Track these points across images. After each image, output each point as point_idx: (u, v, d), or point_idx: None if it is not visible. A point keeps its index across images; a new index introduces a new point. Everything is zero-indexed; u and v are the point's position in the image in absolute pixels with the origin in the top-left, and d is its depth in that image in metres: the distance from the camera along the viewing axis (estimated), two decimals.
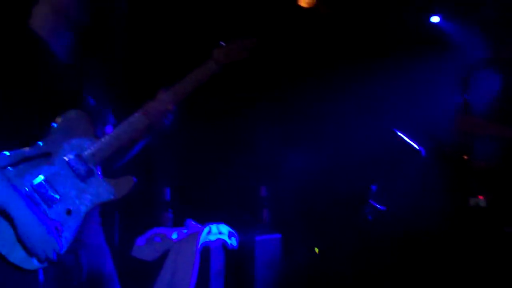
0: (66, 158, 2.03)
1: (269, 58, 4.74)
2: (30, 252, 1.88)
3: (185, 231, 4.44)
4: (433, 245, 3.96)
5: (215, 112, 5.35)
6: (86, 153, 2.05)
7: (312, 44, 5.65)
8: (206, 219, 4.55)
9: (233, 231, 4.56)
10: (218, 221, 4.56)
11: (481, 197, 3.19)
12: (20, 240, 1.87)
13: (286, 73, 5.61)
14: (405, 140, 4.04)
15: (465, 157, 3.38)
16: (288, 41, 5.47)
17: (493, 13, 4.00)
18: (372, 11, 5.60)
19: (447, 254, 3.72)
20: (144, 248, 4.23)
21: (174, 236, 4.32)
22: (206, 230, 4.40)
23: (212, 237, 4.38)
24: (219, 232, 4.45)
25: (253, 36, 2.39)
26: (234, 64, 2.35)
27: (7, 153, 1.91)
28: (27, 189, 1.94)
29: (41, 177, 1.98)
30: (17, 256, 1.89)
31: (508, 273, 3.08)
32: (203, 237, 4.31)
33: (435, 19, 5.86)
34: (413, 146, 4.01)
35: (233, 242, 4.47)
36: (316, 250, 4.73)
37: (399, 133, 4.10)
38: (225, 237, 4.46)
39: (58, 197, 2.00)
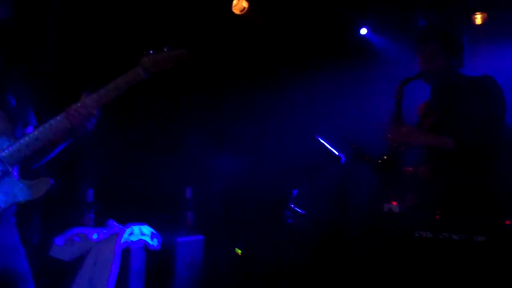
0: None
1: (197, 61, 4.77)
2: None
3: (105, 231, 4.41)
4: (350, 248, 4.09)
5: (140, 113, 5.33)
6: (3, 154, 2.03)
7: (242, 50, 5.72)
8: (129, 220, 4.54)
9: (156, 233, 4.57)
10: (141, 222, 4.55)
11: (394, 203, 3.32)
12: None
13: (213, 76, 5.65)
14: (327, 147, 4.15)
15: (385, 158, 3.47)
16: (219, 46, 5.51)
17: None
18: (303, 21, 5.72)
19: (362, 257, 3.84)
20: (63, 247, 4.18)
21: (95, 236, 4.28)
22: (128, 231, 4.39)
23: (134, 238, 4.38)
24: (141, 233, 4.45)
25: (183, 46, 2.41)
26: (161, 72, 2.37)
27: None
28: None
29: None
30: None
31: (417, 275, 3.20)
32: (124, 238, 4.30)
33: (363, 31, 6.06)
34: (334, 152, 4.12)
35: (155, 243, 4.48)
36: (238, 251, 4.79)
37: (321, 140, 4.21)
38: (147, 238, 4.47)
39: None
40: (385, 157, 3.43)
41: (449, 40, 3.39)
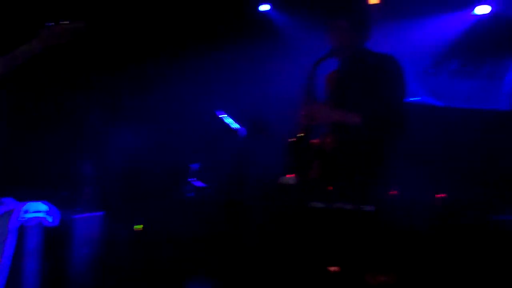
0: None
1: (97, 35, 4.67)
2: None
3: None
4: (248, 220, 4.18)
5: (38, 86, 5.17)
6: None
7: (144, 23, 5.64)
8: (26, 197, 4.41)
9: (53, 209, 4.46)
10: (38, 199, 4.43)
11: (290, 176, 3.41)
12: None
13: (115, 50, 5.55)
14: (226, 121, 4.19)
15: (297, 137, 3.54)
16: (120, 19, 5.41)
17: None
18: None
19: (260, 228, 3.93)
20: None
21: None
22: (23, 208, 4.27)
23: (29, 215, 4.26)
24: (37, 210, 4.33)
25: (81, 19, 2.38)
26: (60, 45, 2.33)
27: None
28: None
29: None
30: None
31: (311, 244, 3.31)
32: (19, 215, 4.17)
33: (264, 7, 6.12)
34: (233, 126, 4.17)
35: (51, 220, 4.38)
36: (139, 227, 4.77)
37: (220, 115, 4.24)
38: (44, 215, 4.36)
39: None
40: (298, 136, 3.49)
41: (357, 16, 3.49)
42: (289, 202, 3.40)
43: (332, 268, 3.19)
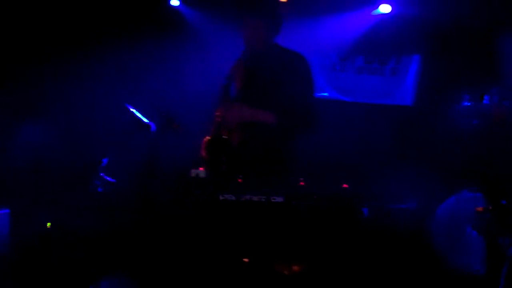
0: None
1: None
2: None
3: None
4: (160, 213, 4.17)
5: None
6: None
7: (56, 16, 5.50)
8: None
9: None
10: None
11: (201, 169, 3.45)
12: None
13: (21, 43, 5.39)
14: (136, 115, 4.17)
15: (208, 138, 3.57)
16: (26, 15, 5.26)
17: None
18: None
19: (171, 221, 3.93)
20: None
21: None
22: None
23: None
24: None
25: None
26: None
27: None
28: None
29: None
30: None
31: (223, 236, 3.36)
32: None
33: (174, 2, 6.09)
34: (143, 120, 4.15)
35: None
36: (48, 224, 4.66)
37: (130, 108, 4.21)
38: None
39: None
40: (216, 135, 3.51)
41: (270, 13, 3.59)
42: (200, 195, 3.43)
43: (244, 259, 3.24)
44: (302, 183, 3.75)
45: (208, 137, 3.57)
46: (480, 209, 3.67)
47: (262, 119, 3.48)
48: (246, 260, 3.26)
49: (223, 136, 3.53)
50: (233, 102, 3.59)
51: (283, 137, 3.51)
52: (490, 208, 3.55)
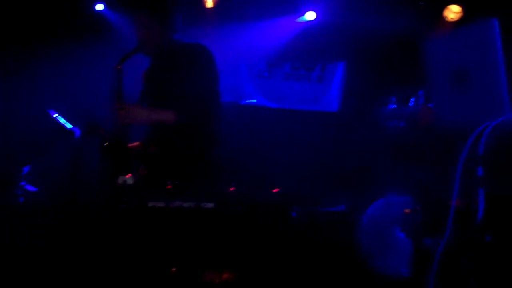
0: None
1: None
2: None
3: None
4: (86, 223, 4.04)
5: None
6: None
7: None
8: None
9: None
10: None
11: (128, 175, 3.35)
12: None
13: None
14: (59, 121, 4.03)
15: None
16: None
17: None
18: None
19: (99, 232, 3.81)
20: None
21: None
22: None
23: None
24: None
25: None
26: None
27: None
28: None
29: None
30: None
31: (153, 244, 3.27)
32: None
33: (99, 7, 5.98)
34: (67, 126, 4.02)
35: None
36: None
37: (53, 114, 4.07)
38: None
39: None
40: (111, 141, 3.38)
41: (157, 9, 3.44)
42: (127, 202, 3.34)
43: (173, 268, 3.19)
44: (232, 189, 3.72)
45: (105, 143, 3.41)
46: (407, 211, 3.74)
47: (159, 118, 3.37)
48: (173, 270, 3.19)
49: (122, 141, 3.40)
50: (129, 103, 3.42)
51: (197, 140, 3.42)
52: (418, 210, 3.62)
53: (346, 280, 4.55)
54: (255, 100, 6.63)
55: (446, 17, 5.64)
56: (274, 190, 4.83)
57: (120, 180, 3.35)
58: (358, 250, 4.76)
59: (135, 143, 3.53)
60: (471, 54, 3.03)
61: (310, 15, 6.17)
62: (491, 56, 2.87)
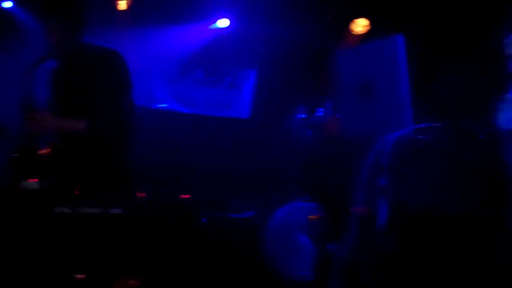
0: None
1: None
2: None
3: None
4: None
5: None
6: None
7: None
8: None
9: None
10: None
11: (32, 180, 3.24)
12: None
13: None
14: None
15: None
16: None
17: None
18: None
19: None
20: None
21: None
22: None
23: None
24: None
25: None
26: None
27: None
28: None
29: None
30: None
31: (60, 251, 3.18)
32: None
33: (7, 4, 5.77)
34: None
35: None
36: None
37: None
38: None
39: None
40: (21, 150, 3.28)
41: (67, 12, 3.35)
42: (32, 208, 3.24)
43: (79, 276, 3.12)
44: (142, 194, 3.69)
45: (14, 155, 3.30)
46: (312, 217, 3.84)
47: (70, 127, 3.29)
48: (82, 277, 3.13)
49: (31, 149, 3.32)
50: (42, 111, 3.32)
51: (102, 142, 3.36)
52: (322, 216, 3.72)
53: (251, 285, 4.62)
54: (167, 105, 6.60)
55: (353, 30, 5.84)
56: (184, 196, 4.82)
57: (23, 185, 3.25)
58: (264, 255, 4.84)
59: (45, 149, 3.43)
60: (377, 67, 3.16)
61: (223, 22, 6.22)
62: (396, 70, 3.01)
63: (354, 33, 5.87)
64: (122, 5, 5.92)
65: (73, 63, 3.39)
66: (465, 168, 2.65)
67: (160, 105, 6.49)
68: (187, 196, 4.79)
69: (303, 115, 3.94)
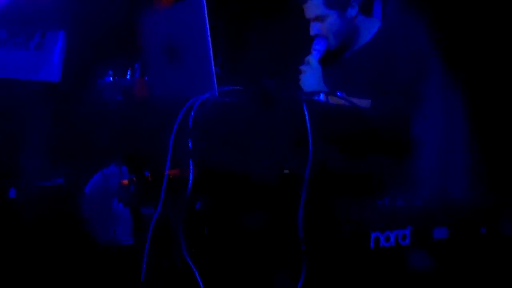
0: None
1: None
2: None
3: None
4: None
5: None
6: None
7: None
8: None
9: None
10: None
11: None
12: None
13: None
14: None
15: None
16: None
17: None
18: None
19: None
20: None
21: None
22: None
23: None
24: None
25: None
26: None
27: None
28: None
29: None
30: None
31: None
32: None
33: None
34: None
35: None
36: None
37: None
38: None
39: None
40: None
41: None
42: None
43: None
44: None
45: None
46: (125, 182, 3.84)
47: None
48: None
49: None
50: None
51: None
52: (134, 180, 3.74)
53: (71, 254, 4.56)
54: None
55: None
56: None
57: None
58: (82, 223, 4.77)
59: None
60: (182, 30, 3.17)
61: None
62: (199, 32, 3.04)
63: None
64: None
65: None
66: (267, 130, 2.76)
67: None
68: None
69: (111, 78, 3.88)
